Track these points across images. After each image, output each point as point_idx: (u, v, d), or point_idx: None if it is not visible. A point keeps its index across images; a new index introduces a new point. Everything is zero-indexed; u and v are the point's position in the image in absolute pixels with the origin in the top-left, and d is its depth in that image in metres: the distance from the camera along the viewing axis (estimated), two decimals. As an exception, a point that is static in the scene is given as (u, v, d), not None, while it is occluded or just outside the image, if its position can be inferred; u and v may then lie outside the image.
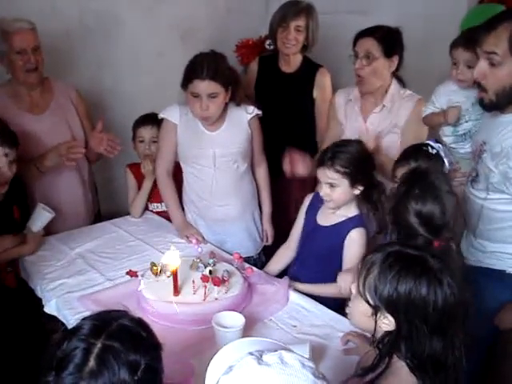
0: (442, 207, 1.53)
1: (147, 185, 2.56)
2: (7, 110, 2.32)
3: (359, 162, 1.90)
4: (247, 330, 1.58)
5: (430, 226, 1.52)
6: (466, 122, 2.20)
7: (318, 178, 1.94)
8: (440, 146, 1.92)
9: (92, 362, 0.93)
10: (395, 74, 2.31)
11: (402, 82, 2.34)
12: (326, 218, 2.00)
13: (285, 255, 2.15)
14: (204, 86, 2.12)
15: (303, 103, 2.74)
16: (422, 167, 1.74)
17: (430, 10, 2.97)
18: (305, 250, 2.08)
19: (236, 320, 1.56)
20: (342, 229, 1.94)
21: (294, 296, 1.87)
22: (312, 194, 2.10)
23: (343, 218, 1.96)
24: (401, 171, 1.88)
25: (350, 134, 2.30)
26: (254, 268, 2.05)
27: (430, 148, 1.89)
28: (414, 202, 1.54)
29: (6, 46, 2.25)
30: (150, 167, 2.50)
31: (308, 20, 2.65)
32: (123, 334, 0.97)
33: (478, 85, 1.77)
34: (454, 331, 1.12)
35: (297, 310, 1.81)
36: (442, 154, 1.89)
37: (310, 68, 2.76)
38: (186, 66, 2.20)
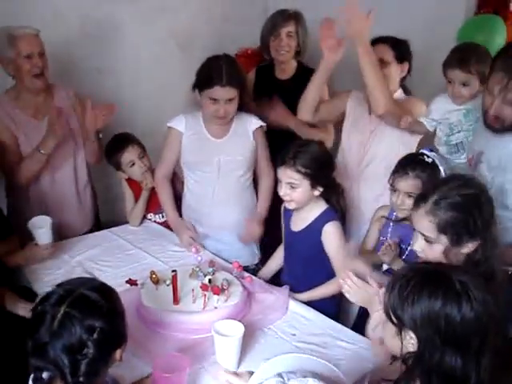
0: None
1: (145, 195, 2.56)
2: (13, 116, 2.36)
3: (320, 163, 1.93)
4: (246, 339, 1.59)
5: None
6: (459, 132, 2.25)
7: (278, 177, 1.96)
8: (435, 154, 1.95)
9: (55, 326, 1.13)
10: (401, 83, 2.38)
11: (408, 91, 2.41)
12: (298, 223, 2.04)
13: (280, 256, 2.20)
14: (224, 93, 2.18)
15: None
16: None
17: (427, 21, 2.99)
18: (289, 257, 2.14)
19: (235, 328, 1.56)
20: (315, 228, 1.98)
21: (293, 305, 1.88)
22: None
23: (313, 218, 1.99)
24: (400, 182, 1.91)
25: (353, 129, 2.40)
26: (254, 277, 2.06)
27: (425, 157, 1.91)
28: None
29: (13, 51, 2.27)
30: (149, 184, 2.51)
31: (297, 26, 2.73)
32: (82, 302, 1.16)
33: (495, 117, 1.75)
34: (478, 349, 1.06)
35: (296, 318, 1.82)
36: (438, 162, 1.91)
37: (305, 73, 2.77)
38: (200, 69, 2.25)
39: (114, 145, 2.57)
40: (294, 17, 2.74)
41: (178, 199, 2.49)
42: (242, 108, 2.36)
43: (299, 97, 2.70)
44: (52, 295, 1.18)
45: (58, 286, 1.22)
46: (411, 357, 1.10)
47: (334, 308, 2.04)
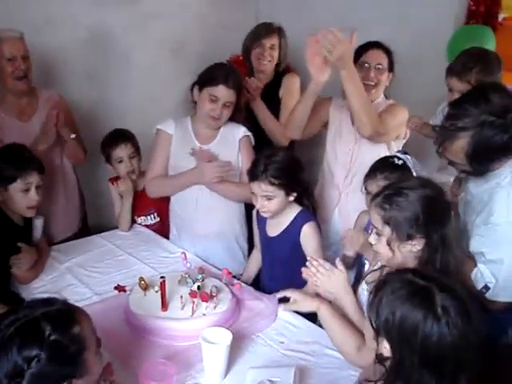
0: (408, 215, 1.42)
1: (127, 202, 2.56)
2: None
3: (290, 171, 1.96)
4: (235, 346, 1.59)
5: (400, 234, 1.44)
6: None
7: (252, 191, 1.98)
8: (408, 157, 1.96)
9: (2, 344, 1.08)
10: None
11: (387, 96, 2.45)
12: (274, 227, 2.07)
13: (258, 257, 2.23)
14: (227, 94, 2.22)
15: (278, 112, 2.80)
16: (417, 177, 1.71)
17: (417, 29, 3.03)
18: (268, 261, 2.16)
19: (223, 336, 1.56)
20: (293, 231, 2.01)
21: (282, 312, 1.87)
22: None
23: (289, 221, 2.02)
24: (370, 185, 1.96)
25: (338, 138, 2.42)
26: (243, 284, 2.05)
27: (396, 159, 1.93)
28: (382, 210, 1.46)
29: None
30: (123, 187, 2.53)
31: (280, 39, 2.80)
32: (29, 329, 1.10)
33: None
34: (454, 373, 1.05)
35: (285, 326, 1.82)
36: (410, 164, 1.92)
37: (279, 76, 2.86)
38: (205, 70, 2.28)
39: (110, 138, 2.62)
40: (278, 31, 2.80)
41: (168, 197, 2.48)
42: (233, 117, 2.36)
43: (275, 100, 2.78)
44: (11, 315, 1.13)
45: (27, 303, 1.19)
46: (386, 361, 1.11)
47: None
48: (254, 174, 1.95)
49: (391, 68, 2.35)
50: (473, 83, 2.11)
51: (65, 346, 1.12)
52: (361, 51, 2.32)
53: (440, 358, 1.05)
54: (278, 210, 1.99)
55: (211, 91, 2.22)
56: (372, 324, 1.14)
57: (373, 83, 2.32)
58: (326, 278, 1.62)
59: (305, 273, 1.67)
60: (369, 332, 1.18)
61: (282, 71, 2.88)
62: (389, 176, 1.90)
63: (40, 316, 1.12)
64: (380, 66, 2.31)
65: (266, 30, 2.79)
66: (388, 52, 2.34)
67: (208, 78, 2.25)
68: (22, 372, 1.08)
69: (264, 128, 2.68)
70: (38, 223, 2.25)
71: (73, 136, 2.47)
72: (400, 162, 1.93)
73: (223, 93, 2.21)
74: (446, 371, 1.05)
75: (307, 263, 1.68)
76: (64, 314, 1.17)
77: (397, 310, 1.08)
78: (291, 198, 1.98)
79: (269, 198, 1.94)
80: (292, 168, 1.97)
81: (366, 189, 2.01)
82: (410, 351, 1.06)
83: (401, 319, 1.07)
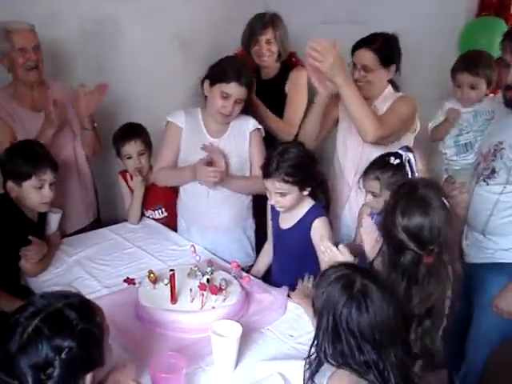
0: (430, 221, 1.48)
1: (138, 193, 2.56)
2: (9, 108, 2.40)
3: (304, 167, 1.95)
4: (244, 339, 1.58)
5: (419, 240, 1.49)
6: (468, 132, 2.30)
7: (266, 187, 1.96)
8: (409, 154, 1.88)
9: (24, 340, 1.07)
10: (390, 79, 2.34)
11: (396, 86, 2.37)
12: (287, 220, 2.06)
13: (270, 250, 2.22)
14: (239, 91, 2.20)
15: (283, 107, 2.76)
16: (412, 180, 1.74)
17: (428, 21, 2.99)
18: (279, 254, 2.15)
19: (233, 329, 1.55)
20: (304, 224, 2.00)
21: (292, 305, 1.87)
22: None
23: (302, 215, 2.01)
24: (367, 182, 1.95)
25: (347, 133, 2.38)
26: (252, 277, 2.05)
27: (392, 158, 1.88)
28: (400, 216, 1.50)
29: (8, 44, 2.32)
30: (139, 178, 2.53)
31: (275, 31, 2.71)
32: (55, 319, 1.10)
33: (507, 87, 1.90)
34: (377, 345, 1.19)
35: (294, 319, 1.81)
36: (411, 163, 1.86)
37: (286, 70, 2.81)
38: (217, 64, 2.26)
39: (121, 133, 2.62)
40: (271, 23, 2.72)
41: (176, 193, 2.48)
42: (244, 110, 2.35)
43: (280, 94, 2.75)
44: (29, 307, 1.13)
45: (41, 296, 1.17)
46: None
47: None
48: (267, 172, 1.94)
49: (388, 62, 2.24)
50: (481, 76, 2.26)
51: (92, 334, 1.14)
52: (352, 51, 2.27)
53: (358, 332, 1.19)
54: (292, 205, 1.98)
55: (223, 88, 2.19)
56: (312, 302, 1.31)
57: (361, 83, 2.24)
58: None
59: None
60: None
61: (288, 64, 2.83)
62: (380, 176, 1.89)
63: (63, 306, 1.12)
64: (367, 66, 2.22)
65: (259, 24, 2.72)
66: (379, 49, 2.21)
67: (220, 73, 2.21)
68: (52, 362, 1.07)
69: (266, 129, 2.55)
70: (55, 217, 2.26)
71: (95, 125, 2.49)
72: (396, 162, 1.87)
73: (235, 90, 2.19)
74: (367, 344, 1.19)
75: (321, 249, 1.72)
76: (85, 304, 1.18)
77: (324, 290, 1.25)
78: (305, 193, 1.98)
79: (282, 194, 1.94)
80: (305, 163, 1.96)
81: (364, 186, 1.98)
82: (328, 322, 1.22)
83: (326, 297, 1.24)
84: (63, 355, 1.08)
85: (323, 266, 1.76)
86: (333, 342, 1.22)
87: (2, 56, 2.36)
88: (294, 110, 2.70)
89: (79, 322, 1.11)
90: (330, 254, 1.72)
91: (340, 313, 1.20)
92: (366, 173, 1.96)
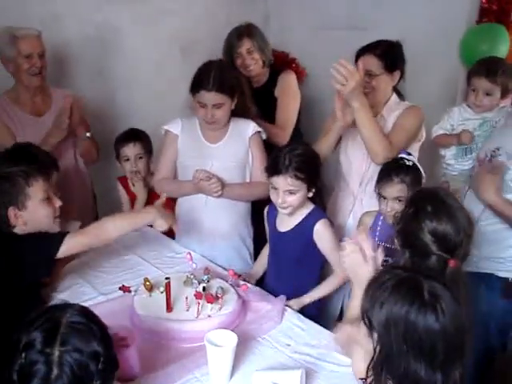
0: (456, 225, 1.47)
1: (141, 199, 2.56)
2: (10, 112, 2.43)
3: (312, 164, 1.95)
4: (241, 348, 1.56)
5: (445, 244, 1.47)
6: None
7: (274, 186, 1.94)
8: (412, 157, 1.96)
9: (55, 370, 0.98)
10: (394, 88, 2.33)
11: (401, 95, 2.36)
12: (285, 223, 2.03)
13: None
14: (210, 97, 2.17)
15: (274, 112, 2.79)
16: (427, 187, 1.75)
17: (428, 27, 2.98)
18: (275, 259, 2.11)
19: (229, 338, 1.53)
20: (306, 227, 1.97)
21: (289, 314, 1.85)
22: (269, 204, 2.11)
23: (302, 217, 1.99)
24: (387, 189, 1.94)
25: (352, 143, 2.35)
26: (249, 285, 2.02)
27: (405, 161, 1.93)
28: (428, 220, 1.47)
29: (14, 50, 2.35)
30: (140, 183, 2.52)
31: (253, 40, 2.76)
32: (74, 333, 1.01)
33: None
34: (446, 361, 1.05)
35: (292, 328, 1.79)
36: (418, 164, 1.94)
37: (277, 74, 2.84)
38: (194, 73, 2.25)
39: (122, 136, 2.64)
40: (247, 33, 2.76)
41: (175, 200, 2.46)
42: (243, 114, 2.33)
43: (275, 99, 2.79)
44: (35, 339, 1.00)
45: (30, 324, 1.03)
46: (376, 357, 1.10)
47: (315, 311, 2.01)
48: (276, 169, 1.91)
49: (392, 68, 2.24)
50: (498, 84, 2.26)
51: (109, 336, 1.09)
52: (356, 57, 2.25)
53: (429, 346, 1.04)
54: (298, 205, 1.95)
55: (197, 98, 2.21)
56: (365, 321, 1.13)
57: (366, 90, 2.19)
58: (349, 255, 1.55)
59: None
60: (363, 330, 1.16)
61: (278, 69, 2.86)
62: (404, 178, 1.91)
63: (72, 317, 1.05)
64: (371, 72, 2.20)
65: (234, 37, 2.77)
66: (384, 54, 2.21)
67: (192, 84, 2.23)
68: (91, 376, 1.01)
69: None
70: (74, 228, 2.11)
71: (88, 135, 2.51)
72: (410, 163, 1.91)
73: (206, 97, 2.18)
74: (437, 359, 1.05)
75: (343, 243, 1.58)
76: (87, 309, 1.12)
77: (385, 301, 1.09)
78: (310, 194, 1.96)
79: (291, 193, 1.91)
80: (313, 162, 1.96)
81: (379, 194, 1.98)
82: (396, 339, 1.06)
83: (388, 309, 1.07)
84: (100, 364, 1.02)
85: (342, 270, 1.71)
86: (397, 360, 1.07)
87: (7, 61, 2.39)
88: (286, 114, 2.75)
89: (93, 326, 1.05)
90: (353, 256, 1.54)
91: (413, 323, 1.05)
92: (387, 178, 1.95)
